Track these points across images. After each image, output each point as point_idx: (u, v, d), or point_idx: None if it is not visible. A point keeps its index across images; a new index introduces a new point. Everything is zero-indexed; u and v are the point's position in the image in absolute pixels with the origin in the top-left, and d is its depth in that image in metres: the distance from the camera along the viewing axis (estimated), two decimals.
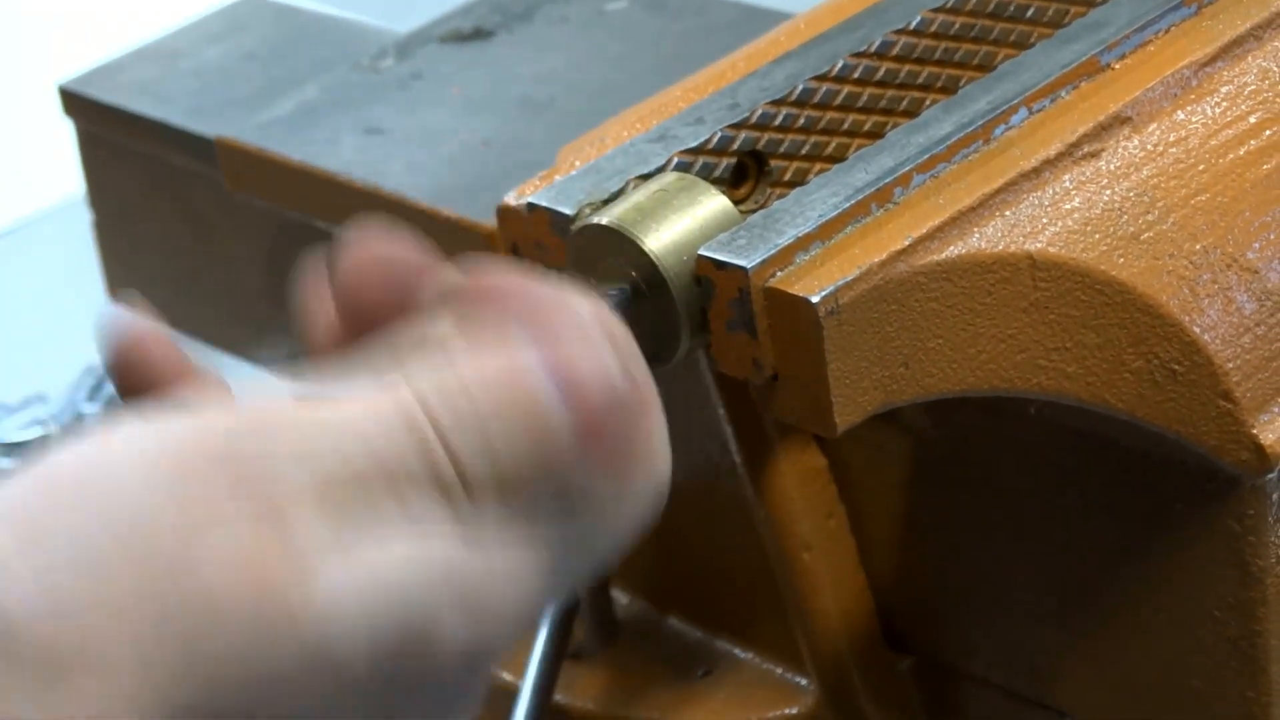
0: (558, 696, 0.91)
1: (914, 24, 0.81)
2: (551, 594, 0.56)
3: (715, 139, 0.77)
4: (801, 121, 0.79)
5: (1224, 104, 0.77)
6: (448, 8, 1.19)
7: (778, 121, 0.78)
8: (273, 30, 1.27)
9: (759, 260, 0.69)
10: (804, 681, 0.92)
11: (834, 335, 0.69)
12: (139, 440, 0.53)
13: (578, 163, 0.80)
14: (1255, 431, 0.72)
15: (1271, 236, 0.74)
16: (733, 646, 0.95)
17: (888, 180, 0.73)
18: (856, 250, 0.70)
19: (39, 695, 0.50)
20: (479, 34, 1.16)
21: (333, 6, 1.30)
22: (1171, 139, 0.76)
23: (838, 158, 0.78)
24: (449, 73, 1.12)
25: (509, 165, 1.00)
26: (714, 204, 0.72)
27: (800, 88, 0.79)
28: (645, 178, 0.75)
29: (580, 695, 0.95)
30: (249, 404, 0.54)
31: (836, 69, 0.80)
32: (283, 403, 0.54)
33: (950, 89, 0.81)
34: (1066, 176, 0.74)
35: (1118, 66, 0.79)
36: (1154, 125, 0.76)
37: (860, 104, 0.80)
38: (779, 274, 0.70)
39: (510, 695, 0.87)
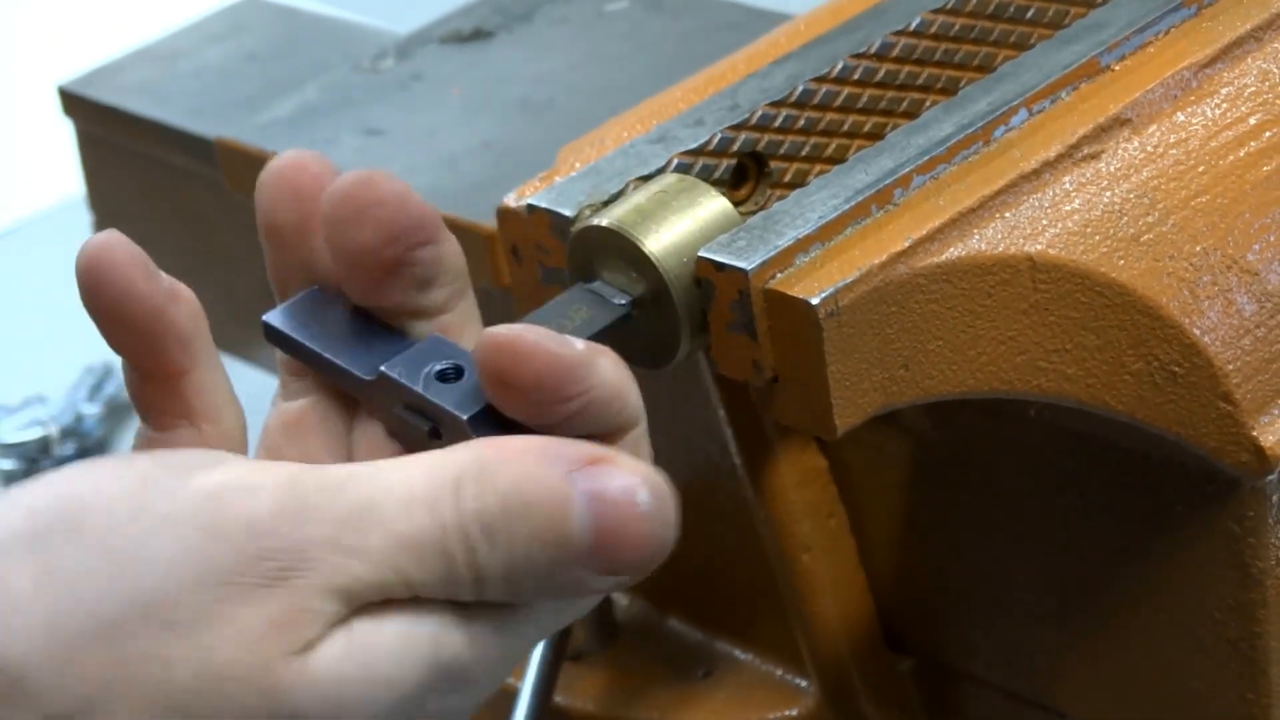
0: (558, 697, 0.91)
1: (914, 25, 0.81)
2: (526, 652, 0.57)
3: (715, 140, 0.77)
4: (801, 123, 0.79)
5: (1224, 105, 0.77)
6: (448, 9, 1.19)
7: (778, 123, 0.78)
8: (273, 31, 1.27)
9: (759, 262, 0.69)
10: (804, 683, 0.92)
11: (834, 337, 0.69)
12: (178, 499, 0.53)
13: (577, 164, 0.80)
14: (1255, 433, 0.72)
15: (1272, 238, 0.74)
16: (733, 647, 0.95)
17: (888, 182, 0.73)
18: (856, 252, 0.70)
19: None
20: (479, 35, 1.16)
21: (332, 7, 1.30)
22: (1171, 140, 0.76)
23: (838, 159, 0.78)
24: (449, 73, 1.12)
25: (509, 166, 1.00)
26: (714, 205, 0.72)
27: (800, 89, 0.79)
28: (645, 179, 0.75)
29: (580, 696, 0.95)
30: (286, 477, 0.54)
31: (836, 70, 0.80)
32: (327, 478, 0.54)
33: (950, 90, 0.81)
34: (1066, 178, 0.74)
35: (1118, 68, 0.79)
36: (1154, 127, 0.76)
37: (860, 105, 0.80)
38: (779, 276, 0.70)
39: (510, 696, 0.87)
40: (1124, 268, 0.72)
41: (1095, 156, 0.75)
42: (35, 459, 1.41)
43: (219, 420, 0.61)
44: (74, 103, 1.24)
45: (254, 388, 0.71)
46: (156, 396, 0.60)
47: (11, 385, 1.46)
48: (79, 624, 0.51)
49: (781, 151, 0.78)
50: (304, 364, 0.62)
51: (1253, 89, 0.78)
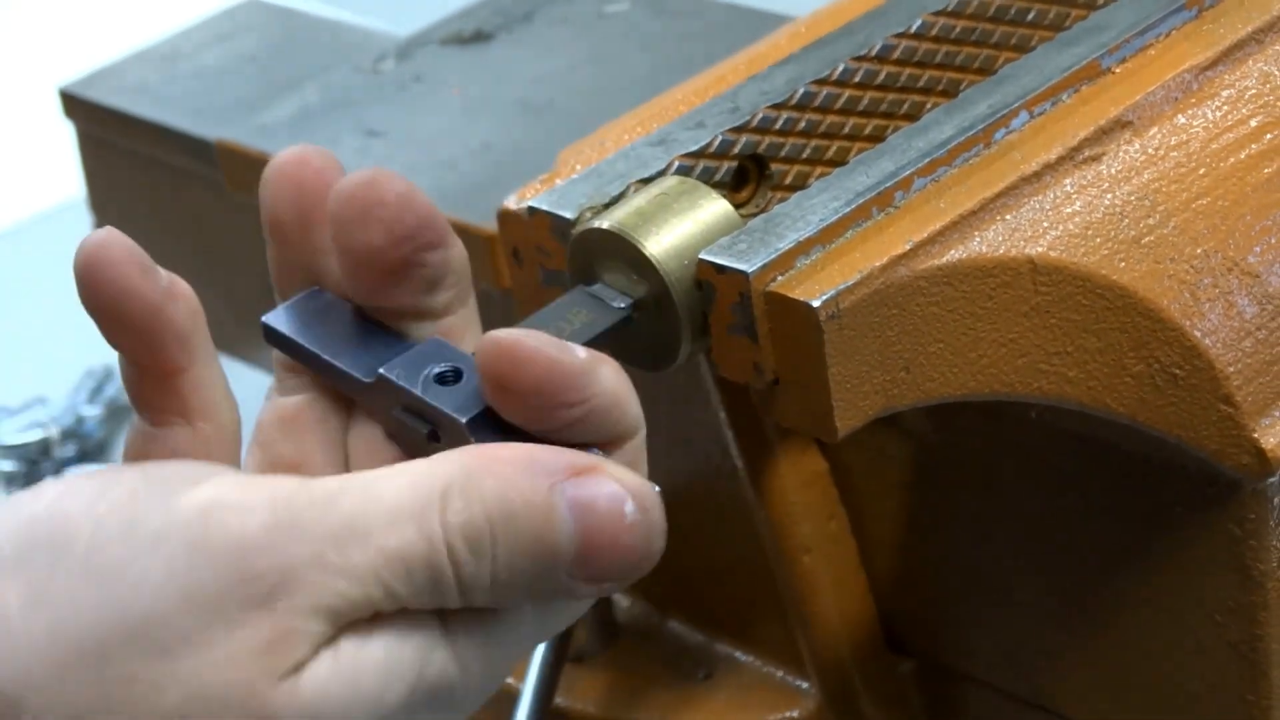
0: (558, 699, 0.91)
1: (914, 27, 0.81)
2: (513, 665, 0.57)
3: (716, 143, 0.77)
4: (802, 125, 0.79)
5: (1225, 108, 0.77)
6: (448, 10, 1.19)
7: (778, 125, 0.78)
8: (273, 33, 1.27)
9: (760, 264, 0.69)
10: (805, 684, 0.92)
11: (835, 339, 0.69)
12: (166, 517, 0.53)
13: (578, 166, 0.80)
14: (1256, 435, 0.72)
15: (1273, 240, 0.74)
16: (733, 649, 0.95)
17: (888, 184, 0.73)
18: (857, 254, 0.70)
19: None
20: (479, 36, 1.16)
21: (333, 9, 1.30)
22: (1172, 143, 0.76)
23: (838, 161, 0.78)
24: (449, 75, 1.12)
25: (509, 168, 1.00)
26: (715, 208, 0.72)
27: (801, 91, 0.79)
28: (646, 181, 0.75)
29: (581, 698, 0.95)
30: (274, 493, 0.54)
31: (837, 73, 0.80)
32: (314, 494, 0.54)
33: (951, 93, 0.81)
34: (1067, 180, 0.74)
35: (1118, 70, 0.79)
36: (1155, 129, 0.76)
37: (861, 108, 0.80)
38: (780, 278, 0.70)
39: (511, 698, 0.87)
40: (1125, 270, 0.72)
41: (1096, 159, 0.75)
42: (36, 461, 1.41)
43: (214, 418, 0.61)
44: (75, 104, 1.24)
45: (253, 388, 0.71)
46: (153, 393, 0.60)
47: (12, 387, 1.46)
48: (68, 647, 0.51)
49: (782, 154, 0.78)
50: (303, 365, 0.62)
51: (1254, 91, 0.78)
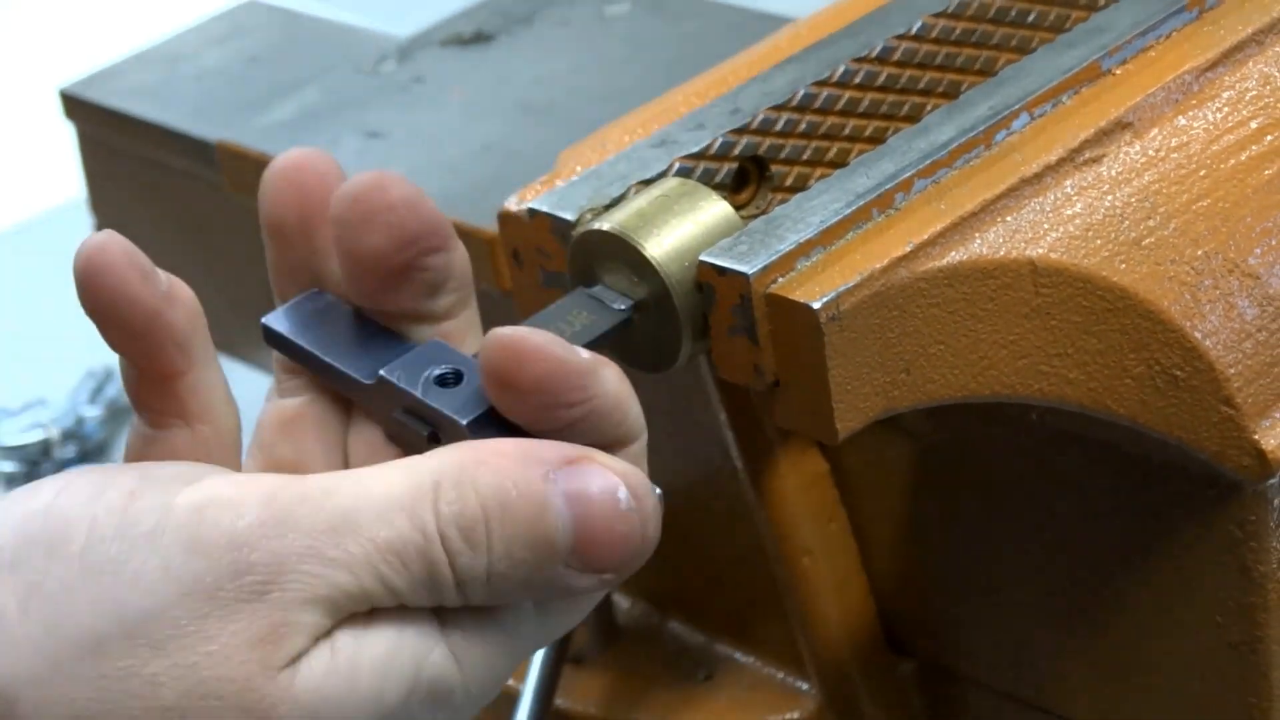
0: (559, 700, 0.91)
1: (915, 29, 0.81)
2: (512, 667, 0.57)
3: (716, 144, 0.77)
4: (803, 127, 0.79)
5: (1225, 109, 0.77)
6: (448, 12, 1.19)
7: (779, 126, 0.78)
8: (274, 34, 1.27)
9: (760, 266, 0.69)
10: (805, 685, 0.92)
11: (835, 341, 0.69)
12: (161, 515, 0.53)
13: (578, 168, 0.80)
14: (1257, 437, 0.72)
15: (1273, 242, 0.74)
16: (734, 650, 0.95)
17: (889, 186, 0.73)
18: (858, 256, 0.70)
19: None
20: (480, 38, 1.16)
21: (333, 10, 1.31)
22: (1173, 144, 0.76)
23: (839, 163, 0.78)
24: (450, 76, 1.12)
25: (509, 169, 1.00)
26: (715, 209, 0.72)
27: (801, 93, 0.79)
28: (646, 183, 0.75)
29: (581, 699, 0.95)
30: (268, 490, 0.54)
31: (838, 74, 0.80)
32: (308, 489, 0.54)
33: (951, 94, 0.81)
34: (1068, 182, 0.74)
35: (1119, 72, 0.79)
36: (1155, 130, 0.76)
37: (861, 109, 0.80)
38: (780, 280, 0.70)
39: (511, 699, 0.87)
40: (1125, 271, 0.72)
41: (1097, 160, 0.75)
42: (36, 462, 1.41)
43: (214, 421, 0.61)
44: (75, 105, 1.24)
45: (253, 391, 0.71)
46: (153, 395, 0.60)
47: (12, 388, 1.46)
48: (65, 643, 0.51)
49: (783, 155, 0.78)
50: (303, 366, 0.62)
51: (1254, 93, 0.78)
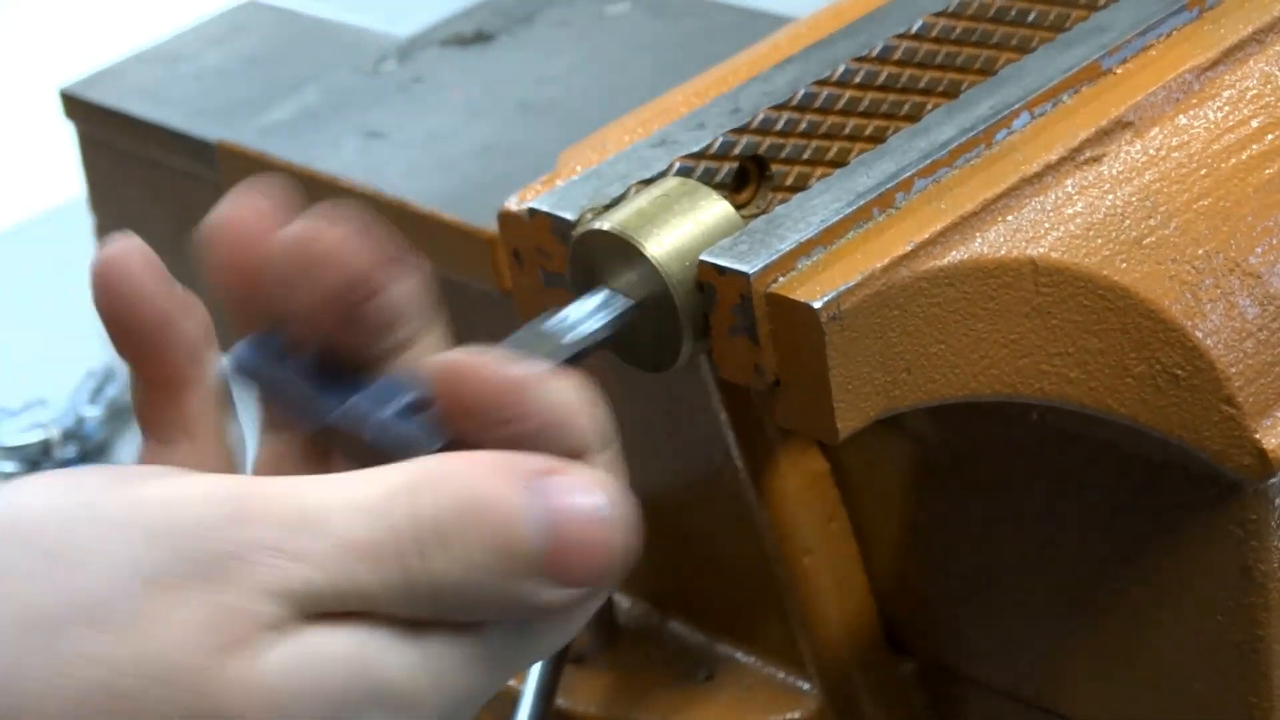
0: (559, 700, 0.91)
1: (915, 28, 0.81)
2: (487, 691, 0.57)
3: (717, 144, 0.77)
4: (803, 126, 0.79)
5: (1226, 108, 0.77)
6: (448, 11, 1.19)
7: (779, 126, 0.78)
8: (273, 34, 1.27)
9: (761, 266, 0.69)
10: (806, 685, 0.92)
11: (836, 341, 0.69)
12: (127, 504, 0.53)
13: (579, 167, 0.80)
14: (1258, 436, 0.72)
15: (1274, 241, 0.74)
16: (735, 650, 0.95)
17: (889, 185, 0.73)
18: (859, 255, 0.70)
19: None
20: (480, 38, 1.16)
21: (333, 10, 1.30)
22: (1174, 143, 0.76)
23: (839, 162, 0.78)
24: (450, 76, 1.12)
25: (510, 169, 1.00)
26: (716, 209, 0.72)
27: (802, 92, 0.79)
28: (647, 183, 0.75)
29: (582, 699, 0.95)
30: (237, 485, 0.54)
31: (838, 73, 0.80)
32: (281, 487, 0.54)
33: (952, 93, 0.81)
34: (1069, 181, 0.74)
35: (1119, 71, 0.78)
36: (1156, 130, 0.76)
37: (862, 108, 0.80)
38: (781, 279, 0.70)
39: (512, 700, 0.87)
40: (1126, 271, 0.72)
41: (1097, 159, 0.75)
42: (36, 462, 1.41)
43: (218, 437, 0.61)
44: (75, 105, 1.24)
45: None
46: (159, 407, 0.60)
47: (13, 388, 1.46)
48: (25, 625, 0.51)
49: (783, 155, 0.78)
50: (265, 404, 0.62)
51: (1255, 92, 0.78)
